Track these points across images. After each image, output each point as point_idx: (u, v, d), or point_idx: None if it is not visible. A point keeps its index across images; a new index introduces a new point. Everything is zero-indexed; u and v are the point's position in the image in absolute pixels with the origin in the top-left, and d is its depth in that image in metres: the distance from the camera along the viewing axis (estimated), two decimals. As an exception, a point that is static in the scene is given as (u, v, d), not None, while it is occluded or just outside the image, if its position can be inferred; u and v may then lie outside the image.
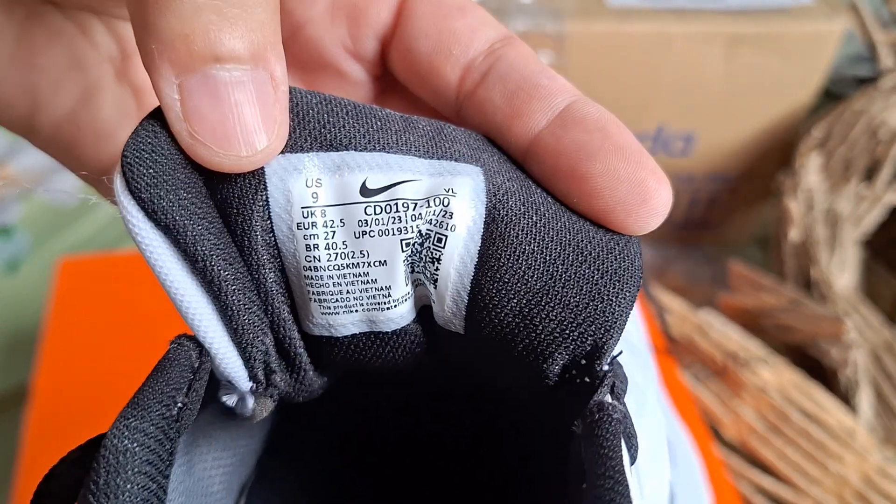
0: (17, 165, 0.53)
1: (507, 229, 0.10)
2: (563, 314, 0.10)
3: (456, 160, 0.10)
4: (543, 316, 0.10)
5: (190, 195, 0.09)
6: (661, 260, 0.49)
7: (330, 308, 0.10)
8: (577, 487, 0.09)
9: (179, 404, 0.09)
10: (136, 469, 0.08)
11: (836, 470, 0.32)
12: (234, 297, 0.09)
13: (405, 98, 0.14)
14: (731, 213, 0.48)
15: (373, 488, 0.17)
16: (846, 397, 0.35)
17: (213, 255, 0.09)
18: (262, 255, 0.10)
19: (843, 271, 0.39)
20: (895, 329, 0.38)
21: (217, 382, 0.11)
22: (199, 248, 0.09)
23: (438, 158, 0.10)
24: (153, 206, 0.09)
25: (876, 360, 0.37)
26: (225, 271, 0.09)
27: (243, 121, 0.09)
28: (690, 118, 0.42)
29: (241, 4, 0.09)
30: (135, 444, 0.08)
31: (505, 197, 0.10)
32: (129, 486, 0.08)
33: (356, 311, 0.10)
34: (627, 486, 0.08)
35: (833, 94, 0.53)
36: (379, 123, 0.10)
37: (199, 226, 0.09)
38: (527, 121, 0.11)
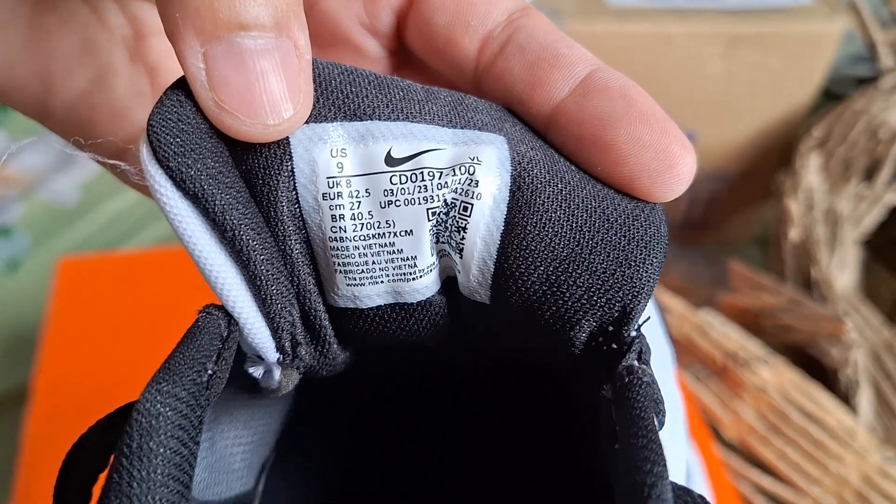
0: (17, 165, 0.53)
1: (533, 197, 0.10)
2: (590, 281, 0.10)
3: (479, 129, 0.10)
4: (571, 283, 0.10)
5: (217, 164, 0.09)
6: (660, 260, 0.49)
7: (356, 279, 0.10)
8: (610, 449, 0.09)
9: (209, 372, 0.09)
10: (168, 433, 0.08)
11: (836, 470, 0.32)
12: (262, 268, 0.09)
13: (422, 72, 0.13)
14: (731, 213, 0.48)
15: (395, 466, 0.16)
16: (846, 397, 0.35)
17: (241, 224, 0.09)
18: (288, 226, 0.10)
19: (842, 271, 0.39)
20: (895, 329, 0.38)
21: (240, 358, 0.11)
22: (227, 217, 0.09)
23: (462, 128, 0.10)
24: (181, 175, 0.09)
25: (876, 360, 0.37)
26: (253, 241, 0.09)
27: (269, 90, 0.09)
28: (690, 118, 0.42)
29: None
30: (167, 409, 0.08)
31: (529, 165, 0.10)
32: (161, 449, 0.08)
33: (382, 281, 0.10)
34: (661, 444, 0.08)
35: (833, 94, 0.53)
36: (401, 93, 0.10)
37: (227, 195, 0.09)
38: (548, 90, 0.11)
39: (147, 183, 0.09)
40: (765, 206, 0.48)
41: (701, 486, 0.28)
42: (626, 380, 0.09)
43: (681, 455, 0.14)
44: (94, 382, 0.31)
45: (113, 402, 0.32)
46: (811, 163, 0.40)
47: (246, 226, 0.09)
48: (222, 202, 0.09)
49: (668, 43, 0.39)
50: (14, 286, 0.45)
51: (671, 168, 0.10)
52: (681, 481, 0.15)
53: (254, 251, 0.09)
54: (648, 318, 0.10)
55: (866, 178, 0.41)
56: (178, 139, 0.09)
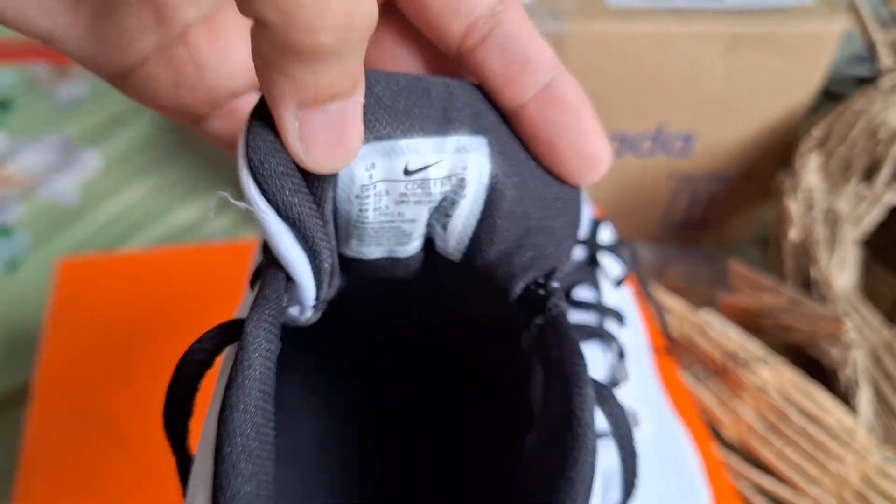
0: (17, 165, 0.53)
1: (501, 195, 0.13)
2: (533, 253, 0.14)
3: (468, 133, 0.13)
4: (520, 254, 0.14)
5: (305, 194, 0.12)
6: (660, 260, 0.49)
7: (365, 243, 0.14)
8: (547, 358, 0.13)
9: (283, 303, 0.12)
10: (265, 346, 0.11)
11: (836, 470, 0.32)
12: (324, 256, 0.13)
13: (406, 25, 0.15)
14: (731, 213, 0.48)
15: (383, 413, 0.20)
16: (846, 397, 0.35)
17: (317, 234, 0.12)
18: (328, 216, 0.13)
19: (842, 271, 0.39)
20: (895, 329, 0.39)
21: None
22: (311, 233, 0.12)
23: (454, 134, 0.13)
24: (285, 210, 0.12)
25: (876, 361, 0.37)
26: (322, 241, 0.13)
27: (345, 141, 0.12)
28: (690, 118, 0.42)
29: (351, 54, 0.11)
30: (270, 324, 0.11)
31: (502, 169, 0.13)
32: (260, 358, 0.11)
33: (384, 245, 0.14)
34: (581, 350, 0.13)
35: (833, 94, 0.53)
36: (410, 107, 0.13)
37: (312, 218, 0.12)
38: (516, 90, 0.13)
39: (254, 210, 0.12)
40: (765, 206, 0.48)
41: (699, 490, 0.28)
42: (554, 312, 0.13)
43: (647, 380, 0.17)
44: (95, 382, 0.31)
45: (113, 400, 0.32)
46: (811, 163, 0.40)
47: (320, 232, 0.12)
48: (309, 223, 0.12)
49: (668, 43, 0.39)
50: (14, 286, 0.45)
51: (597, 169, 0.14)
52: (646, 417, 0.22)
53: (323, 250, 0.13)
54: (567, 272, 0.13)
55: (866, 179, 0.41)
56: (279, 181, 0.12)
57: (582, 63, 0.39)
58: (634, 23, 0.38)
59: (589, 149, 0.13)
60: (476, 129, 0.13)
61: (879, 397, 0.36)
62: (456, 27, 0.13)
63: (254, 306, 0.12)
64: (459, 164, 0.13)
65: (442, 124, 0.13)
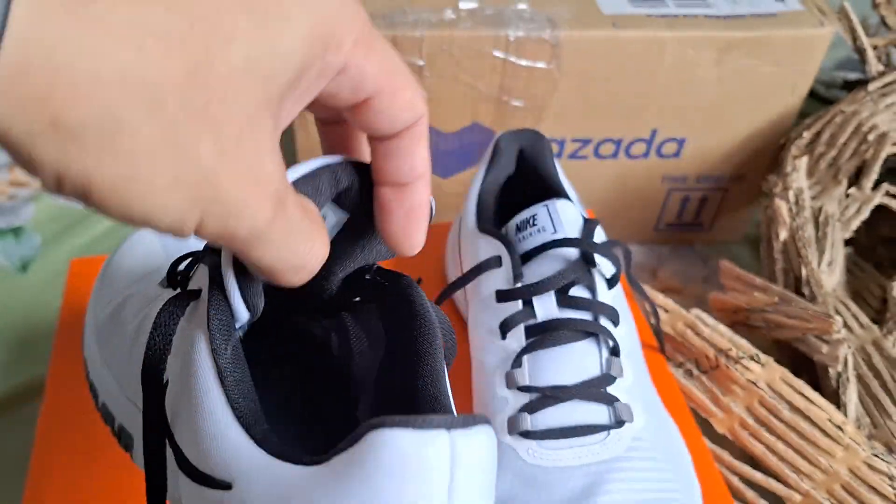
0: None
1: (338, 244, 0.20)
2: (357, 268, 0.20)
3: (341, 209, 0.19)
4: (347, 269, 0.20)
5: (261, 293, 0.18)
6: (654, 260, 0.50)
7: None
8: (383, 295, 0.20)
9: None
10: (221, 297, 0.18)
11: (826, 464, 0.33)
12: (258, 315, 0.19)
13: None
14: (723, 214, 0.49)
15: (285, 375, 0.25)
16: (835, 393, 0.36)
17: (261, 309, 0.19)
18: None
19: (832, 270, 0.40)
20: (883, 326, 0.39)
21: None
22: (260, 312, 0.19)
23: (335, 208, 0.19)
24: (252, 307, 0.18)
25: (864, 357, 0.38)
26: (261, 303, 0.19)
27: None
28: (683, 121, 0.43)
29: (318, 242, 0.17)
30: (223, 323, 0.18)
31: (347, 232, 0.20)
32: (220, 295, 0.18)
33: None
34: (415, 284, 0.19)
35: (822, 98, 0.54)
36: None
37: (264, 304, 0.19)
38: (386, 178, 0.18)
39: (231, 301, 0.18)
40: (756, 206, 0.49)
41: (693, 485, 0.28)
42: (375, 267, 0.20)
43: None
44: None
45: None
46: (801, 165, 0.41)
47: (262, 301, 0.19)
48: (261, 308, 0.19)
49: (661, 48, 0.40)
50: (24, 285, 0.46)
51: (407, 254, 0.19)
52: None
53: (260, 308, 0.19)
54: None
55: (854, 180, 0.42)
56: (255, 296, 0.18)
57: (577, 68, 0.40)
58: (628, 29, 0.39)
59: (405, 241, 0.19)
60: (346, 207, 0.19)
61: (867, 393, 0.36)
62: (369, 132, 0.18)
63: (211, 315, 0.18)
64: (324, 213, 0.19)
65: (327, 202, 0.19)
